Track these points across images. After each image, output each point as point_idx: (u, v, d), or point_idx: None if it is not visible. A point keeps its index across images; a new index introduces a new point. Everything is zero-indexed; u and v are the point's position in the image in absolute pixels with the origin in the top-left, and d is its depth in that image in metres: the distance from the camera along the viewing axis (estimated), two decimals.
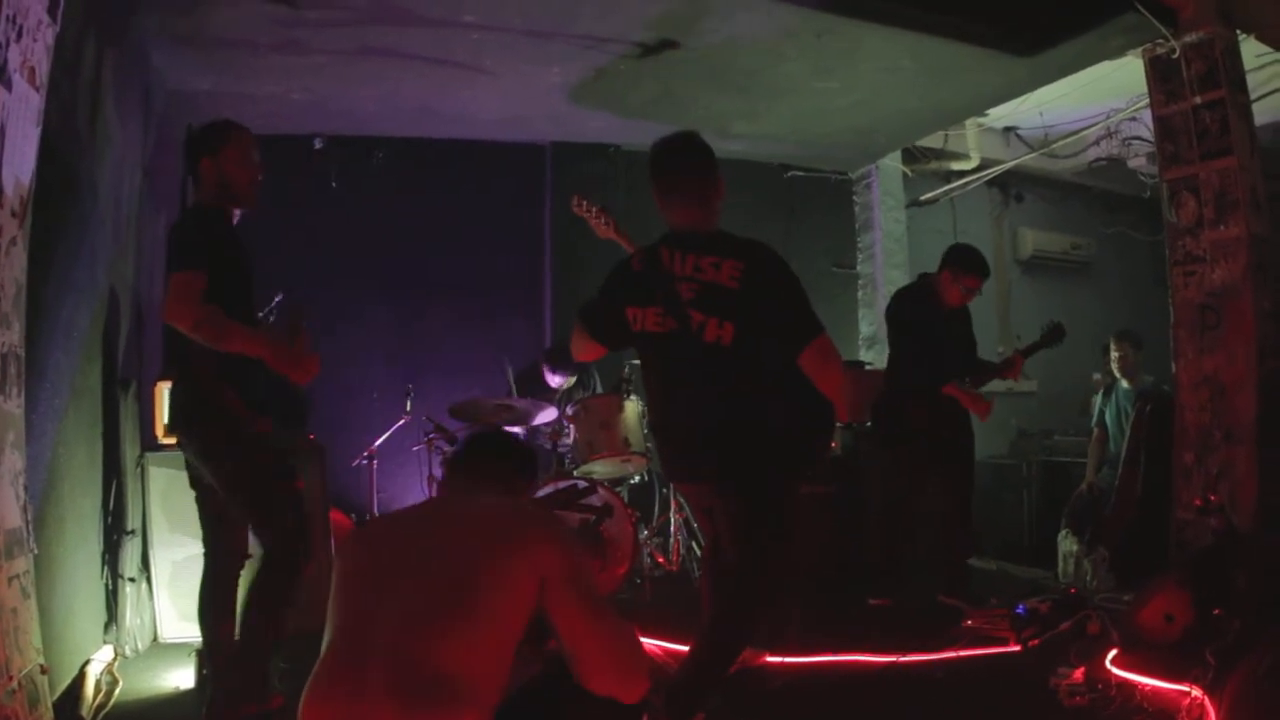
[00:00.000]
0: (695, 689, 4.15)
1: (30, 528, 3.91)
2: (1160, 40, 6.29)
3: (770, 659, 5.29)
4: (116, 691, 4.82)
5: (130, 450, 5.80)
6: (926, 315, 6.53)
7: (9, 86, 3.62)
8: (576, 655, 2.57)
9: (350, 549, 2.80)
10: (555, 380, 8.34)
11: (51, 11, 3.97)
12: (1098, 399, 8.14)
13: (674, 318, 4.14)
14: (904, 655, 5.32)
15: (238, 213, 4.39)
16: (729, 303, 4.08)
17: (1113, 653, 4.94)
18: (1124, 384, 7.89)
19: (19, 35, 3.66)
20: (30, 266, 3.96)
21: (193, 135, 4.44)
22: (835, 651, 5.40)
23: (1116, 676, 4.65)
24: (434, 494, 7.29)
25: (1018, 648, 5.44)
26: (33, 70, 3.84)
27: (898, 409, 6.51)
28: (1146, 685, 4.55)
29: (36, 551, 3.98)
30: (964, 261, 6.47)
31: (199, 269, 3.96)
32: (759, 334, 4.11)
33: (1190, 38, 6.16)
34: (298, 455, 5.13)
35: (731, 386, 4.13)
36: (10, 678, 3.54)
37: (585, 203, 4.81)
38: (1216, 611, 5.04)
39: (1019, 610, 5.62)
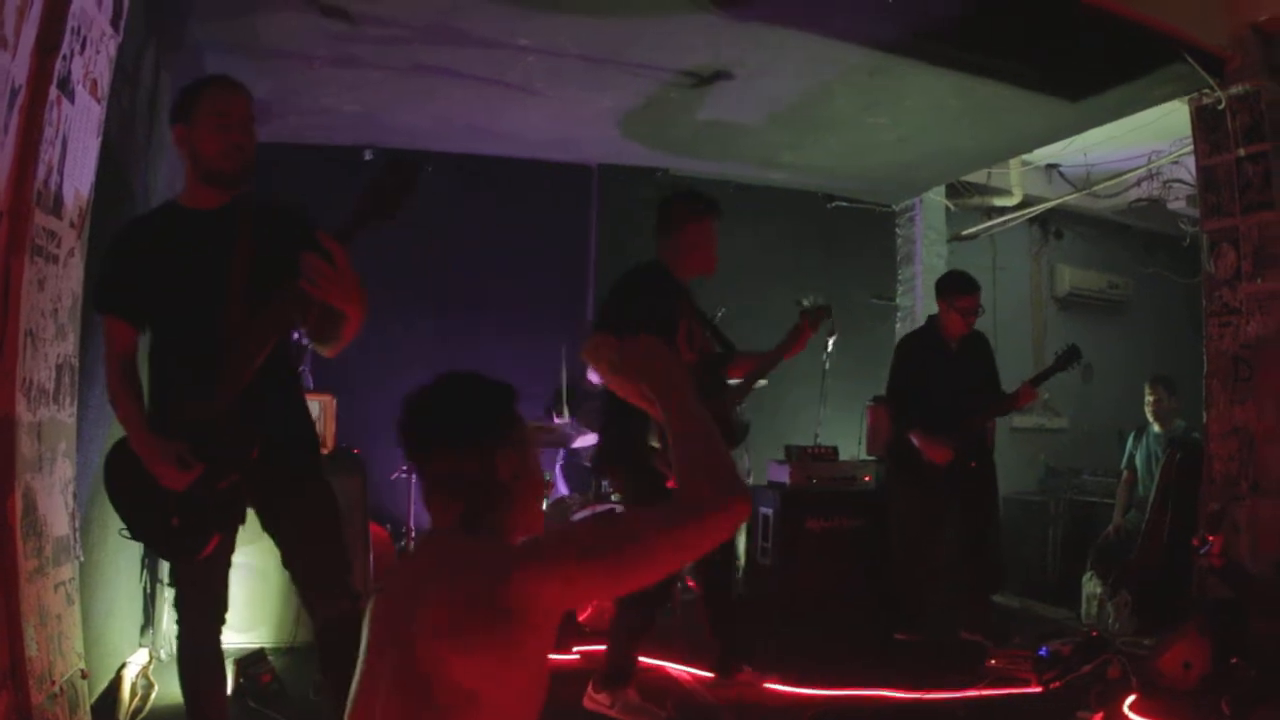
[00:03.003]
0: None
1: (77, 535, 4.00)
2: (1207, 90, 6.31)
3: (772, 685, 5.45)
4: (152, 696, 4.88)
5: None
6: (925, 356, 6.76)
7: (71, 99, 3.69)
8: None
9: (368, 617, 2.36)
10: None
11: (115, 22, 4.02)
12: (1129, 440, 8.15)
13: None
14: (927, 693, 5.38)
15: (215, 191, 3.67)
16: None
17: (1131, 698, 4.98)
18: (1155, 427, 7.91)
19: (83, 47, 3.73)
20: (87, 276, 4.04)
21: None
22: (861, 686, 5.49)
23: None
24: None
25: (1039, 689, 5.47)
26: (95, 82, 3.92)
27: (913, 449, 6.55)
28: None
29: (83, 559, 4.07)
30: (949, 285, 6.69)
31: (101, 311, 3.69)
32: None
33: (1236, 89, 6.17)
34: None
35: None
36: (53, 683, 3.62)
37: None
38: (1234, 660, 5.07)
39: (1041, 652, 5.66)
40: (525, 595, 2.01)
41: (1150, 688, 5.15)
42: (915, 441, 6.50)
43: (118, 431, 5.00)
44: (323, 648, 3.84)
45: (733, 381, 5.49)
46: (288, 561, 3.80)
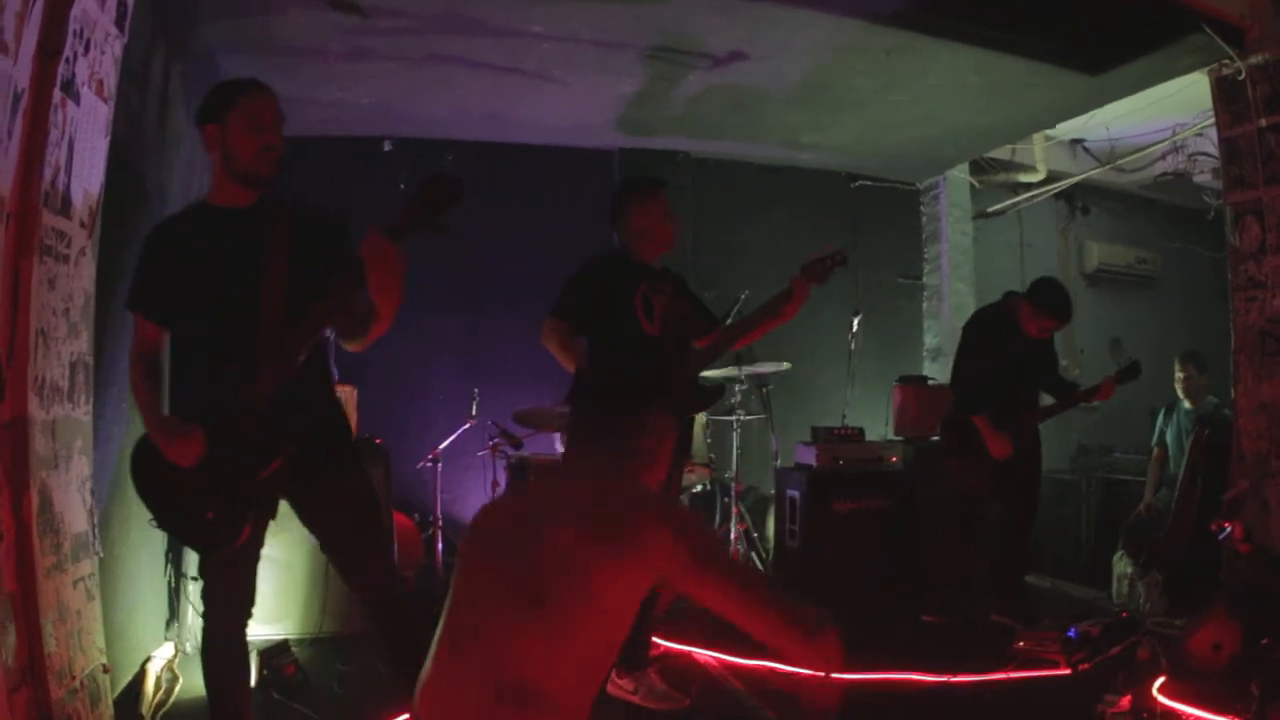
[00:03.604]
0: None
1: (96, 531, 4.03)
2: (1226, 61, 6.21)
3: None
4: (177, 689, 4.94)
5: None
6: (999, 339, 6.59)
7: (77, 100, 3.72)
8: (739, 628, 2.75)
9: (467, 534, 2.89)
10: None
11: (119, 23, 4.05)
12: (1159, 417, 8.06)
13: None
14: (954, 676, 5.35)
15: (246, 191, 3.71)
16: None
17: (1161, 680, 4.91)
18: (1186, 404, 7.81)
19: (86, 49, 3.75)
20: (100, 274, 4.07)
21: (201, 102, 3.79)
22: (888, 669, 5.46)
23: (1162, 705, 4.64)
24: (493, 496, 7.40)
25: (1067, 671, 5.42)
26: (101, 83, 3.94)
27: (968, 428, 6.49)
28: (1192, 715, 4.54)
29: (102, 554, 4.10)
30: (1043, 303, 6.42)
31: (129, 308, 3.72)
32: None
33: (1256, 59, 6.06)
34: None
35: None
36: (73, 678, 3.65)
37: None
38: (1264, 642, 5.01)
39: (1070, 633, 5.60)
40: (648, 536, 2.58)
41: (1180, 669, 5.09)
42: (980, 428, 6.43)
43: (138, 428, 5.05)
44: (378, 625, 3.91)
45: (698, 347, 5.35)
46: (327, 550, 3.89)
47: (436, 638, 2.67)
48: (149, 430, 3.52)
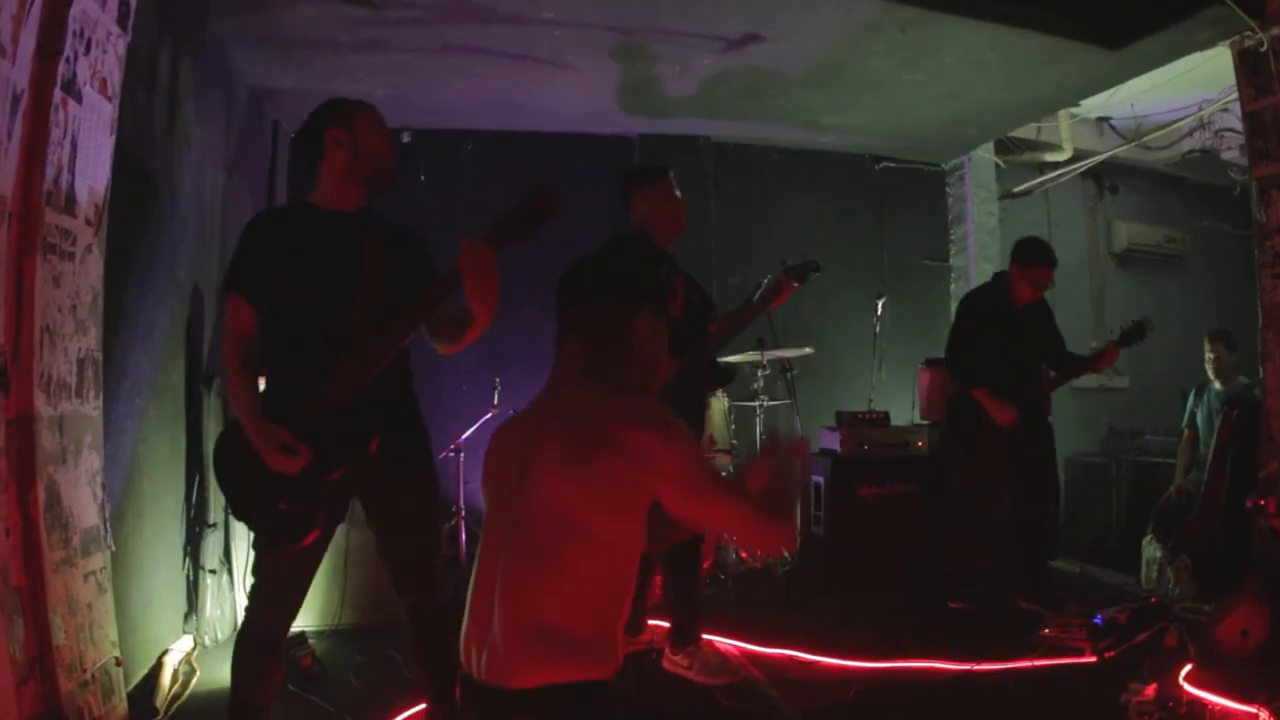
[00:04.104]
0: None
1: (108, 525, 4.04)
2: (1248, 32, 6.08)
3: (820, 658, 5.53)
4: (193, 681, 4.96)
5: (213, 444, 5.91)
6: (991, 315, 6.60)
7: (79, 99, 3.72)
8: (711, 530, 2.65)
9: (483, 472, 2.78)
10: None
11: (122, 22, 4.05)
12: (1190, 398, 7.96)
13: None
14: (978, 664, 5.29)
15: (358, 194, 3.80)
16: None
17: (1187, 668, 4.84)
18: (1216, 385, 7.70)
19: (87, 48, 3.76)
20: (109, 271, 4.07)
21: (318, 111, 3.85)
22: (912, 657, 5.44)
23: (1189, 694, 4.55)
24: None
25: (1094, 659, 5.35)
26: (104, 81, 3.94)
27: (973, 409, 6.45)
28: (1217, 705, 4.46)
29: (114, 548, 4.11)
30: (1028, 254, 6.51)
31: (229, 290, 3.74)
32: None
33: (1277, 30, 5.92)
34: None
35: None
36: (84, 670, 3.67)
37: None
38: None
39: (1097, 620, 5.54)
40: (636, 444, 2.42)
41: (1207, 656, 5.02)
42: (981, 400, 6.41)
43: (151, 423, 5.07)
44: (415, 632, 3.92)
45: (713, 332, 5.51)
46: (383, 549, 3.90)
47: (471, 583, 2.63)
48: (247, 430, 3.52)
